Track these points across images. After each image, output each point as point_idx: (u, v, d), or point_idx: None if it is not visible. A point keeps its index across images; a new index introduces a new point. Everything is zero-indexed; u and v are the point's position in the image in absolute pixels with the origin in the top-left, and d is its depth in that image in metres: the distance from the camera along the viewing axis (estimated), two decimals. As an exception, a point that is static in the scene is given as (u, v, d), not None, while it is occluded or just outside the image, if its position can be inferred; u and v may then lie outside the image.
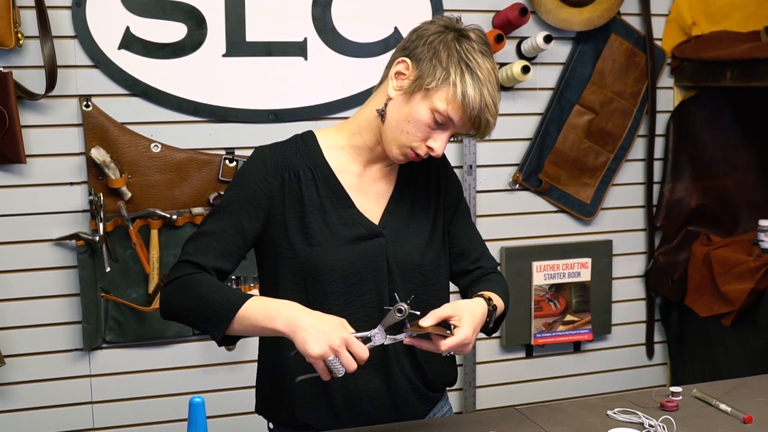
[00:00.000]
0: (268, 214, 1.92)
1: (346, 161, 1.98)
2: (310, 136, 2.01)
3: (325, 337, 1.68)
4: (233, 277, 3.18)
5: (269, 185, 1.92)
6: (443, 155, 2.09)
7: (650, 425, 1.95)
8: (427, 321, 1.78)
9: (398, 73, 1.89)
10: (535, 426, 1.99)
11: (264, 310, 1.76)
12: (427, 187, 2.06)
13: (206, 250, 1.89)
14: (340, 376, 1.69)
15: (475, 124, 1.83)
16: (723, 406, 2.07)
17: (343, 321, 1.74)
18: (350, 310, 1.92)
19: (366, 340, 1.74)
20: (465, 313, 1.81)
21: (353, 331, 1.73)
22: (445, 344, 1.77)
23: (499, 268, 2.18)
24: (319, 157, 1.97)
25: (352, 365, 1.69)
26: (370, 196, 1.99)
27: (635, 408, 2.06)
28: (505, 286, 2.08)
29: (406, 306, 1.74)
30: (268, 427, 2.11)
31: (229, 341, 1.85)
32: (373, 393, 1.97)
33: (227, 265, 1.91)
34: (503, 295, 2.03)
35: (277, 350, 1.97)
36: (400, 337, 1.78)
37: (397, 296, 1.79)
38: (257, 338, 2.06)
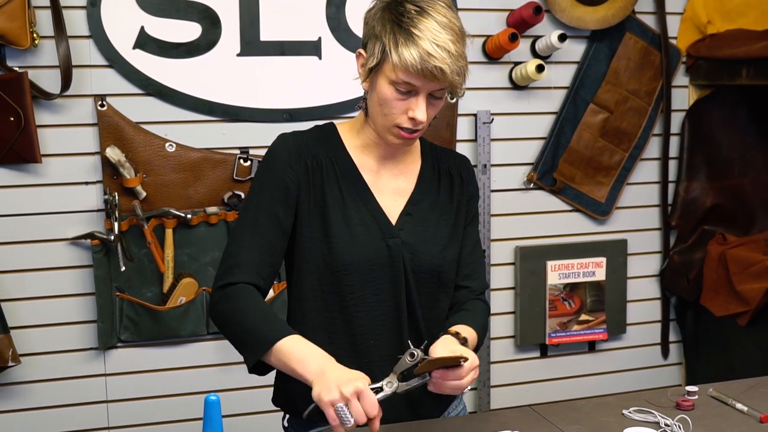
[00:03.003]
0: (297, 202, 1.92)
1: (363, 157, 1.99)
2: (331, 128, 2.02)
3: (340, 384, 1.65)
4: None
5: (295, 172, 1.91)
6: (468, 162, 2.11)
7: (666, 424, 1.94)
8: (440, 353, 1.78)
9: (362, 66, 1.90)
10: (550, 425, 1.98)
11: (298, 355, 1.75)
12: (450, 192, 2.05)
13: (249, 246, 1.89)
14: (348, 426, 1.63)
15: (428, 77, 1.78)
16: (739, 406, 2.06)
17: (365, 378, 1.69)
18: (367, 307, 1.92)
19: (379, 390, 1.70)
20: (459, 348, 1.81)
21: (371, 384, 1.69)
22: (466, 369, 1.75)
23: (487, 293, 2.19)
24: (341, 149, 1.97)
25: (361, 418, 1.63)
26: (387, 193, 1.98)
27: (651, 407, 2.05)
28: (484, 321, 2.07)
29: (419, 351, 1.69)
30: (283, 426, 2.11)
31: (260, 370, 1.86)
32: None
33: (274, 259, 1.92)
34: (480, 330, 2.02)
35: None
36: (413, 382, 1.73)
37: (409, 343, 1.75)
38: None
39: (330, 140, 1.98)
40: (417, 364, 1.69)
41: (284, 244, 1.94)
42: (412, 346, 1.71)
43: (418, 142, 2.06)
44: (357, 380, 1.66)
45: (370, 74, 1.86)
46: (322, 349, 1.82)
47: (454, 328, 1.92)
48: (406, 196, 2.00)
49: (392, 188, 2.00)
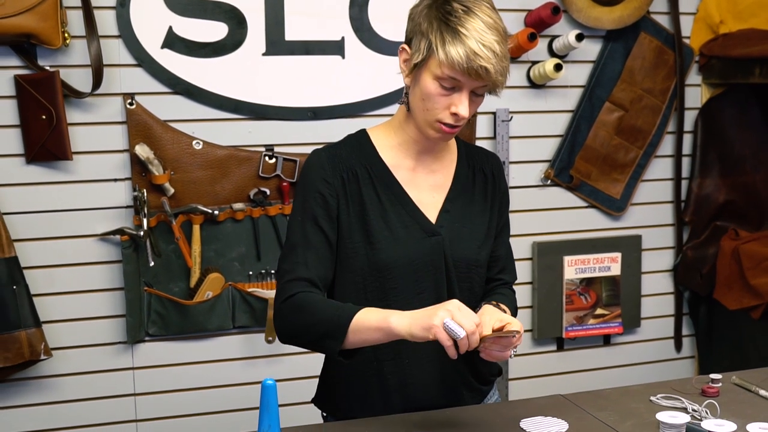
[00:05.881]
0: (337, 215, 1.97)
1: (399, 157, 2.03)
2: (363, 135, 2.06)
3: (433, 311, 1.75)
4: (263, 270, 3.27)
5: (332, 187, 1.96)
6: (498, 160, 2.17)
7: (694, 410, 2.00)
8: (488, 329, 1.83)
9: (405, 61, 1.94)
10: (581, 411, 2.04)
11: (376, 323, 1.81)
12: (485, 189, 2.10)
13: (303, 261, 1.93)
14: (461, 336, 1.71)
15: (473, 76, 1.82)
16: (763, 392, 2.12)
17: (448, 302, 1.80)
18: (409, 307, 1.95)
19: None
20: (507, 317, 1.87)
21: None
22: (515, 327, 1.81)
23: (514, 285, 2.26)
24: (374, 156, 2.01)
25: (471, 324, 1.72)
26: (424, 189, 2.03)
27: (677, 394, 2.11)
28: (515, 304, 2.15)
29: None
30: (322, 415, 2.17)
31: (346, 355, 1.89)
32: (429, 387, 2.04)
33: (328, 272, 1.97)
34: (513, 311, 2.09)
35: None
36: None
37: None
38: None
39: (363, 148, 2.02)
40: None
41: (333, 256, 1.98)
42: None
43: (453, 140, 2.11)
44: (446, 303, 1.77)
45: (414, 69, 1.90)
46: (364, 350, 1.91)
47: (495, 301, 2.01)
48: (443, 191, 2.05)
49: (429, 184, 2.04)
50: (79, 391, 3.18)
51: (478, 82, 1.85)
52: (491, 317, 1.86)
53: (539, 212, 3.63)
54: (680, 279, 3.86)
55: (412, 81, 1.93)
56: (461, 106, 1.87)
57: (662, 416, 1.81)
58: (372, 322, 1.82)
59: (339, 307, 1.87)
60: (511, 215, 3.48)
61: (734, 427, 1.74)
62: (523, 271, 3.63)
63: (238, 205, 3.20)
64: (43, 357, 3.00)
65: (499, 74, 1.84)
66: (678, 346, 3.94)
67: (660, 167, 3.80)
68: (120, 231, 3.09)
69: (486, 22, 1.83)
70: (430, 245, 1.99)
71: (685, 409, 2.01)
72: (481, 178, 2.11)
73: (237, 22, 3.16)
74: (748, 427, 1.76)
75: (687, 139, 3.81)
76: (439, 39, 1.83)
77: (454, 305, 1.75)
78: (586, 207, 3.70)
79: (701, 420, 1.92)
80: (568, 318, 3.66)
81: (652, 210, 3.82)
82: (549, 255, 3.63)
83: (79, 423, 3.20)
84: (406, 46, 1.94)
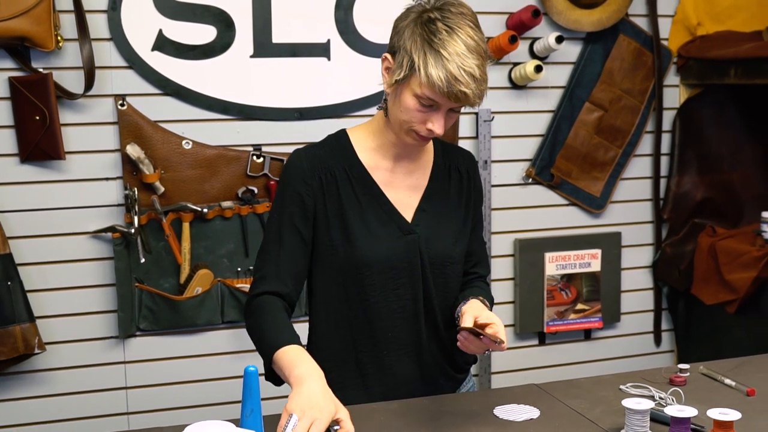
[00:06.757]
0: (314, 214, 2.05)
1: (377, 158, 2.11)
2: (342, 136, 2.14)
3: (308, 403, 1.71)
4: (251, 267, 3.32)
5: (310, 187, 2.04)
6: (472, 157, 2.25)
7: (660, 397, 2.09)
8: (469, 322, 1.91)
9: (386, 69, 2.00)
10: (553, 399, 2.12)
11: (288, 361, 1.83)
12: (460, 187, 2.18)
13: (274, 259, 2.04)
14: None
15: (451, 99, 1.88)
16: (728, 381, 2.20)
17: (340, 411, 1.77)
18: (387, 302, 2.07)
19: None
20: (493, 317, 1.95)
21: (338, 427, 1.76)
22: (501, 335, 1.88)
23: (489, 279, 2.33)
24: (353, 157, 2.09)
25: None
26: (401, 189, 2.11)
27: (646, 383, 2.20)
28: (491, 296, 2.22)
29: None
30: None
31: (274, 380, 1.95)
32: (408, 377, 2.13)
33: (299, 267, 2.06)
34: (490, 303, 2.16)
35: (317, 335, 2.15)
36: None
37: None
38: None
39: (342, 149, 2.10)
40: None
41: (306, 253, 2.07)
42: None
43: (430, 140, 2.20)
44: (326, 411, 1.72)
45: (395, 84, 1.96)
46: (345, 343, 2.02)
47: (479, 297, 2.09)
48: (419, 191, 2.13)
49: (407, 184, 2.13)
50: (72, 384, 3.25)
51: (456, 104, 1.92)
52: (479, 312, 1.95)
53: (521, 210, 3.71)
54: (659, 275, 3.94)
55: (393, 92, 1.99)
56: (436, 124, 1.95)
57: (627, 403, 1.88)
58: (283, 368, 1.85)
59: (275, 333, 1.92)
60: (493, 213, 3.63)
61: (695, 412, 1.82)
62: (506, 267, 3.71)
63: (226, 204, 3.28)
64: (37, 351, 3.06)
65: (476, 97, 1.90)
66: (657, 341, 4.02)
67: (639, 166, 3.87)
68: (111, 228, 3.16)
69: (468, 45, 1.87)
70: (405, 243, 2.07)
71: (651, 397, 2.10)
72: (456, 176, 2.19)
73: (225, 25, 3.23)
74: (709, 412, 1.84)
75: (665, 139, 3.89)
76: (421, 60, 1.88)
77: (314, 419, 1.69)
78: (566, 205, 3.78)
79: (665, 406, 2.01)
80: (549, 313, 3.74)
81: (631, 207, 3.89)
82: (530, 251, 3.71)
83: (72, 415, 3.26)
84: (389, 56, 1.99)
